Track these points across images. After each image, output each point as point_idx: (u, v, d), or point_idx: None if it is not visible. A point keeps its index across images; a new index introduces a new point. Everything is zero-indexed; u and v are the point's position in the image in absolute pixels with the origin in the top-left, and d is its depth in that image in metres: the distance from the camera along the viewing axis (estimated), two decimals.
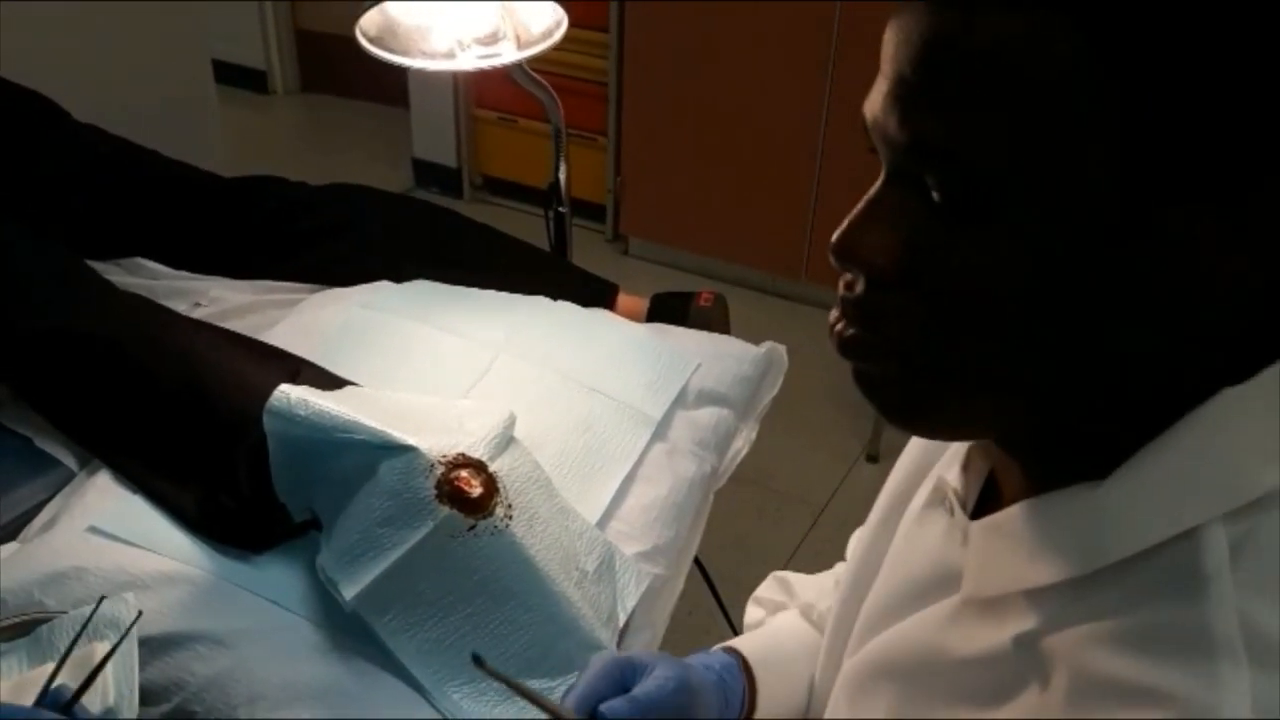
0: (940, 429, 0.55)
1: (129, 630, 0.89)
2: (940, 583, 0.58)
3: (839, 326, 0.51)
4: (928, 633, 0.58)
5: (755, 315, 2.64)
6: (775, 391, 1.33)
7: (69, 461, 1.14)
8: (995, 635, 0.52)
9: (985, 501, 0.59)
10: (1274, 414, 0.46)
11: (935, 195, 0.46)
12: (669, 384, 1.22)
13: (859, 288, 0.49)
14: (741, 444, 1.28)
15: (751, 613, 0.90)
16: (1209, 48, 0.40)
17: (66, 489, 1.11)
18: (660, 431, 1.18)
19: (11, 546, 1.05)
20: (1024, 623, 0.51)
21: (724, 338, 1.37)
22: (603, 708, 0.67)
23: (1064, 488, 0.50)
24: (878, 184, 0.49)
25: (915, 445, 0.71)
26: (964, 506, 0.59)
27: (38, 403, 1.16)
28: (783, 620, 0.86)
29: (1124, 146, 0.42)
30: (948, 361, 0.48)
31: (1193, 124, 0.41)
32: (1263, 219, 0.42)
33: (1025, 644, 0.50)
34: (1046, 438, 0.51)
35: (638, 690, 0.69)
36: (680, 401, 1.23)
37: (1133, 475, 0.48)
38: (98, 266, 1.34)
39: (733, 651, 0.79)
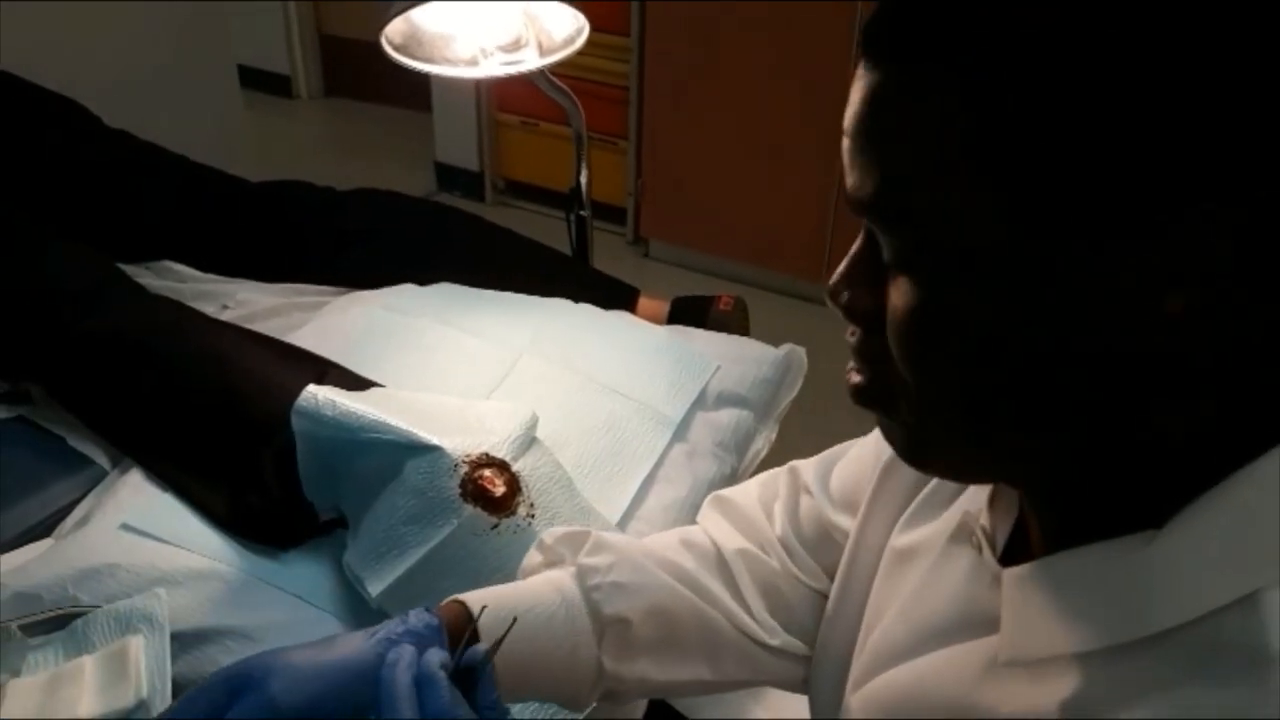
0: (953, 474, 0.54)
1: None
2: (966, 624, 0.56)
3: (849, 373, 0.53)
4: (960, 682, 0.55)
5: (775, 318, 2.64)
6: (795, 393, 1.34)
7: (101, 460, 1.16)
8: (1038, 697, 0.49)
9: (1015, 538, 0.57)
10: None
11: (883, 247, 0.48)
12: (689, 386, 1.23)
13: (857, 334, 0.51)
14: (761, 445, 1.28)
15: (530, 557, 0.78)
16: (1075, 89, 0.40)
17: (99, 487, 1.14)
18: (680, 433, 1.20)
19: (46, 543, 1.08)
20: (1068, 685, 0.47)
21: (744, 340, 1.38)
22: None
23: (1105, 539, 0.47)
24: (860, 234, 0.51)
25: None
26: (993, 546, 0.56)
27: (71, 403, 1.19)
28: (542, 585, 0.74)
29: (1011, 191, 0.42)
30: (942, 407, 0.48)
31: (1072, 164, 0.41)
32: (1194, 251, 0.41)
33: (1073, 709, 0.47)
34: (1075, 488, 0.49)
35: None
36: (700, 403, 1.24)
37: (1185, 532, 0.44)
38: (127, 270, 1.36)
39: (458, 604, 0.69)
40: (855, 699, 0.64)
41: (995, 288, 0.44)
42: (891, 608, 0.64)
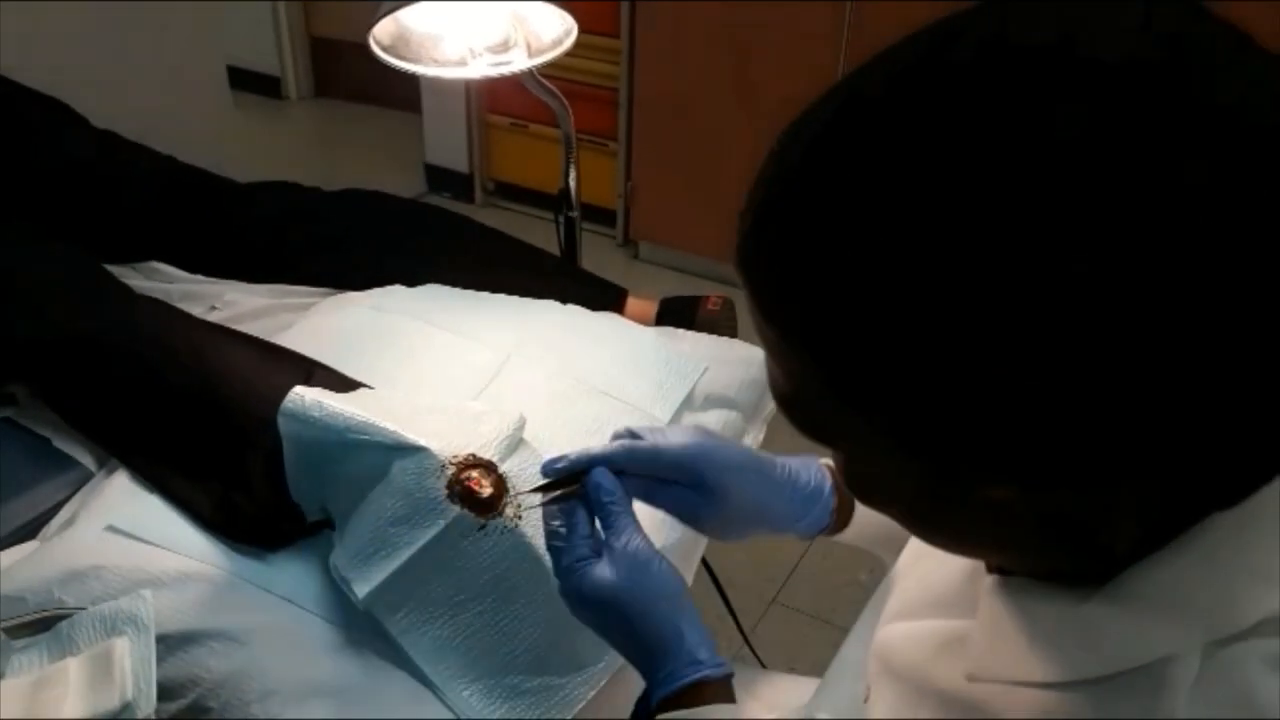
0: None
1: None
2: (959, 601, 0.60)
3: None
4: (936, 660, 0.59)
5: None
6: None
7: (87, 461, 1.16)
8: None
9: None
10: (1266, 539, 0.46)
11: None
12: (677, 387, 1.23)
13: None
14: (749, 446, 1.28)
15: None
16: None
17: (85, 488, 1.13)
18: None
19: (31, 545, 1.07)
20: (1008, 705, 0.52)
21: (732, 341, 1.38)
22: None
23: (1065, 584, 0.51)
24: None
25: None
26: None
27: (57, 404, 1.18)
28: None
29: (868, 420, 0.47)
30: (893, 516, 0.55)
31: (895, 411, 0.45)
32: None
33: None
34: (1034, 566, 0.53)
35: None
36: (688, 404, 1.24)
37: (1116, 596, 0.48)
38: (114, 271, 1.36)
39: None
40: (878, 636, 0.68)
41: (898, 468, 0.49)
42: (920, 561, 0.69)
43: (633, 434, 0.78)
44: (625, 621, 0.70)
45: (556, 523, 0.74)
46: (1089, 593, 0.49)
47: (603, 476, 0.75)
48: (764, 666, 1.37)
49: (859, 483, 0.53)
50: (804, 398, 0.50)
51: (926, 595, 0.64)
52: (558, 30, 1.25)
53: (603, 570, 0.71)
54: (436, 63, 1.22)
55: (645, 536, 0.73)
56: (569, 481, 0.75)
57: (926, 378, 0.43)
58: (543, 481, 0.76)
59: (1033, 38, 0.41)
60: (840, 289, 0.44)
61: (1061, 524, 0.47)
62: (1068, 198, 0.39)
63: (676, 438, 0.77)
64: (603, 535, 0.73)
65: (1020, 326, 0.40)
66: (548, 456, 0.77)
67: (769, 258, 0.47)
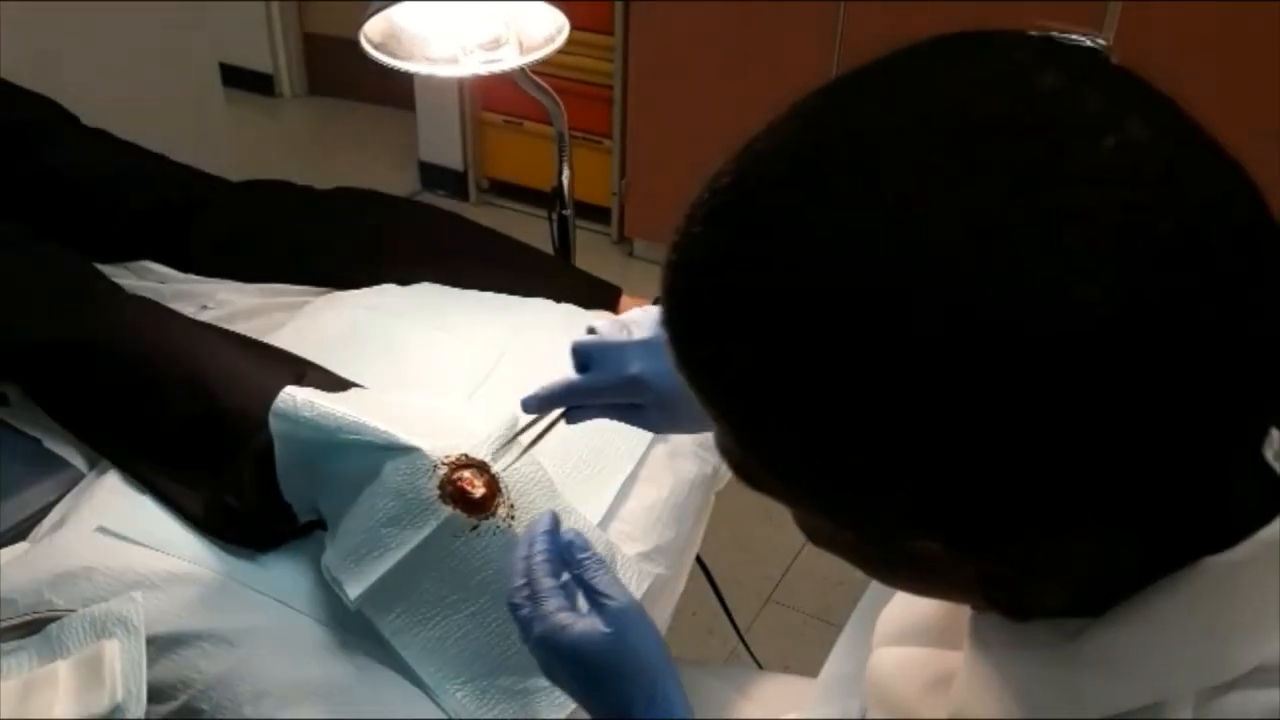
0: None
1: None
2: (950, 627, 0.59)
3: None
4: (924, 697, 0.59)
5: None
6: None
7: (78, 462, 1.15)
8: None
9: None
10: (1259, 586, 0.45)
11: None
12: None
13: None
14: None
15: None
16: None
17: (75, 489, 1.13)
18: None
19: (21, 546, 1.07)
20: None
21: None
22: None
23: (1049, 619, 0.49)
24: None
25: None
26: None
27: (47, 405, 1.18)
28: None
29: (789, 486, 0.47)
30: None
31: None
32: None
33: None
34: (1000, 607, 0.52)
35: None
36: None
37: (1106, 638, 0.47)
38: (105, 270, 1.35)
39: None
40: (872, 660, 0.66)
41: (830, 523, 0.49)
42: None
43: (592, 330, 0.83)
44: (614, 680, 0.69)
45: (521, 581, 0.74)
46: (1074, 631, 0.48)
47: (574, 535, 0.76)
48: (759, 664, 1.36)
49: (805, 531, 0.52)
50: (727, 448, 0.49)
51: (919, 622, 0.63)
52: (550, 28, 1.24)
53: (591, 626, 0.71)
54: (428, 60, 1.22)
55: (629, 592, 0.74)
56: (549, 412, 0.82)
57: (825, 444, 0.42)
58: (528, 420, 0.81)
59: (890, 120, 0.41)
60: (733, 361, 0.44)
61: (991, 580, 0.46)
62: (924, 277, 0.38)
63: (632, 362, 0.81)
64: (577, 591, 0.74)
65: (900, 390, 0.39)
66: (541, 456, 0.77)
67: (677, 308, 0.46)
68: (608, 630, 0.70)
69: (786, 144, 0.44)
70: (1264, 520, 0.45)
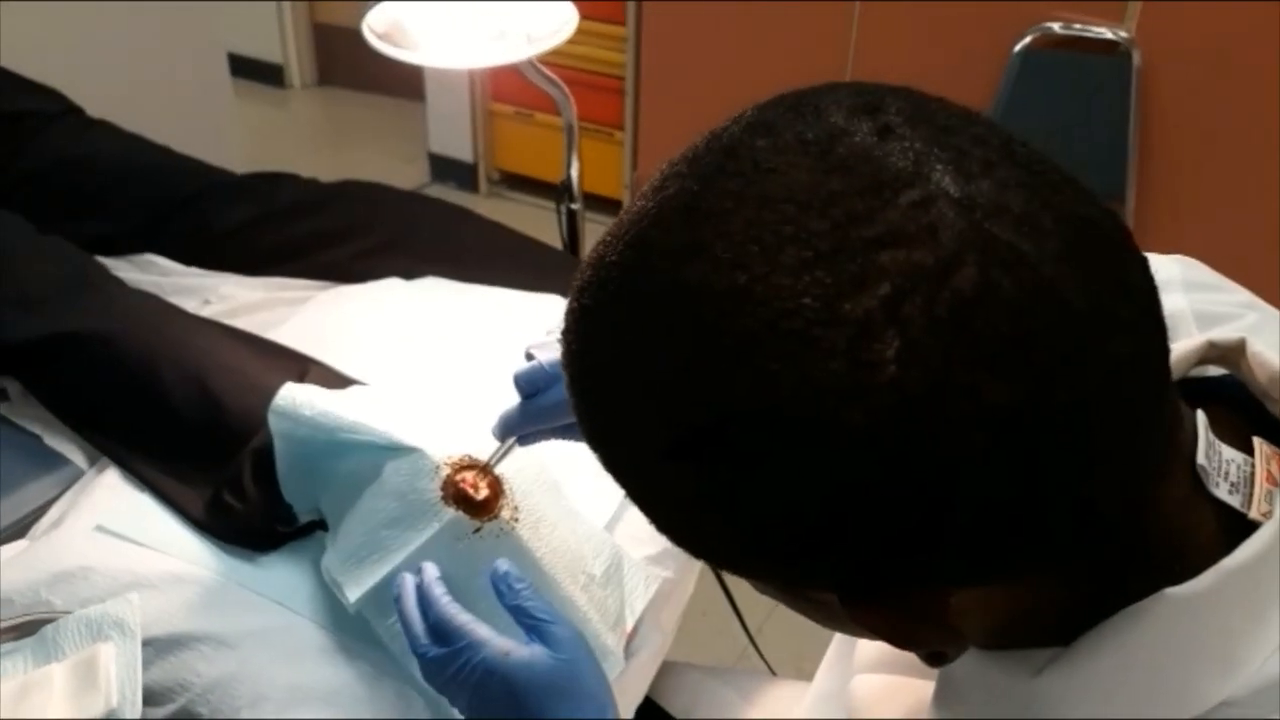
0: None
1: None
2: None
3: None
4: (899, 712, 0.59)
5: None
6: None
7: (78, 459, 1.14)
8: None
9: None
10: (1222, 618, 0.44)
11: None
12: None
13: None
14: None
15: None
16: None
17: (75, 487, 1.11)
18: None
19: (20, 544, 1.05)
20: None
21: None
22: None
23: (1018, 650, 0.49)
24: None
25: None
26: None
27: (47, 401, 1.16)
28: None
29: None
30: None
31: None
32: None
33: None
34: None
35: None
36: None
37: (1066, 672, 0.47)
38: (109, 263, 1.34)
39: None
40: (852, 685, 0.66)
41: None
42: None
43: (530, 355, 0.83)
44: (564, 703, 0.69)
45: (425, 625, 0.76)
46: (1040, 665, 0.47)
47: (508, 565, 0.78)
48: (769, 666, 1.35)
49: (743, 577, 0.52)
50: None
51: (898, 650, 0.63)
52: (559, 18, 1.23)
53: (541, 650, 0.71)
54: (435, 51, 1.20)
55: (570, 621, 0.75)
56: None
57: (696, 517, 0.43)
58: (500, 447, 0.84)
59: (712, 202, 0.41)
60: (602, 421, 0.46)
61: (893, 630, 0.46)
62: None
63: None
64: (519, 625, 0.75)
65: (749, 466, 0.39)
66: (541, 455, 0.77)
67: (569, 357, 0.46)
68: (560, 654, 0.71)
69: (627, 225, 0.44)
70: (1226, 550, 0.44)
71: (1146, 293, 0.41)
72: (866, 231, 0.37)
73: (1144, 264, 0.41)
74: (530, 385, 0.82)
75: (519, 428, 0.84)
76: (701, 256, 0.39)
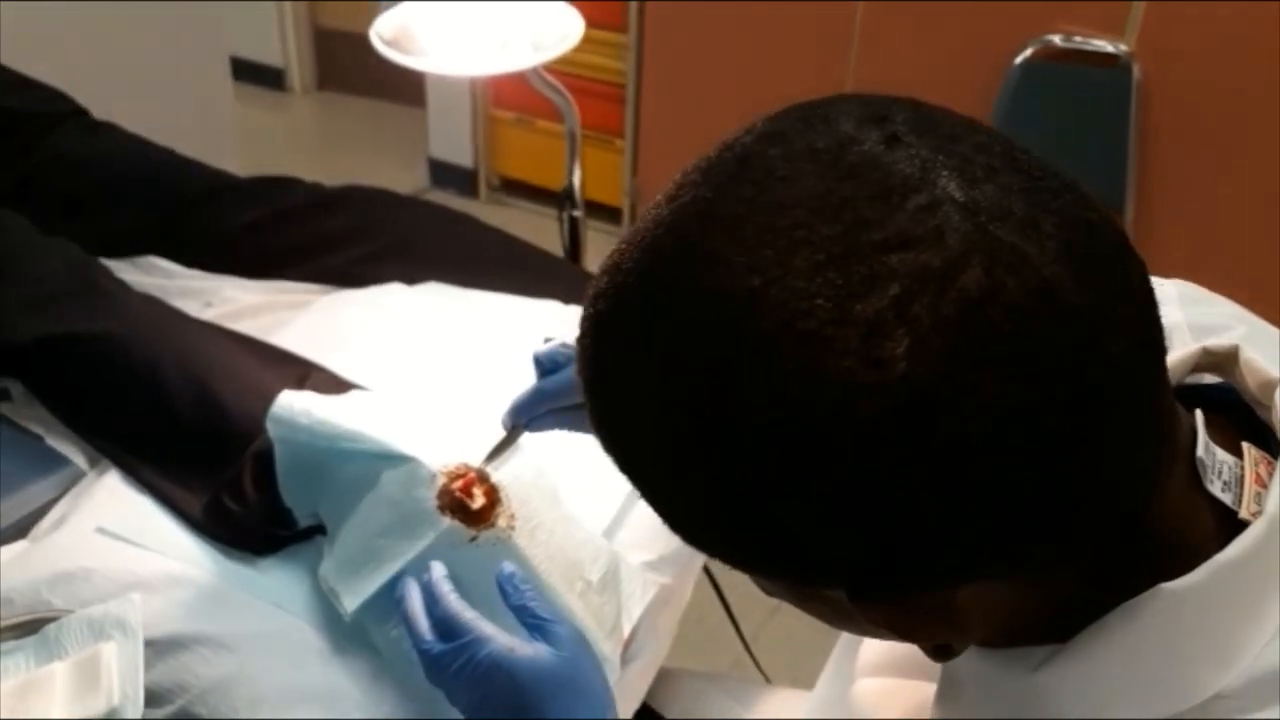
0: None
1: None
2: (926, 662, 0.59)
3: None
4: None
5: None
6: None
7: (79, 461, 1.14)
8: None
9: None
10: (1215, 612, 0.45)
11: None
12: None
13: None
14: None
15: None
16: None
17: (76, 488, 1.12)
18: None
19: (21, 545, 1.06)
20: None
21: None
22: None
23: (1019, 647, 0.50)
24: None
25: None
26: None
27: (49, 402, 1.17)
28: None
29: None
30: None
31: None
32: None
33: None
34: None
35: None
36: None
37: (1064, 668, 0.48)
38: (111, 265, 1.34)
39: None
40: (854, 690, 0.67)
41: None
42: None
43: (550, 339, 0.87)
44: (567, 701, 0.71)
45: (430, 620, 0.77)
46: (1040, 661, 0.48)
47: (511, 566, 0.80)
48: (764, 673, 1.35)
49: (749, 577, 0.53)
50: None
51: (899, 652, 0.63)
52: (563, 26, 1.23)
53: (545, 648, 0.72)
54: (440, 58, 1.21)
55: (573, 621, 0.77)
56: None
57: (714, 513, 0.44)
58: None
59: (725, 209, 0.42)
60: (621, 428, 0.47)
61: (900, 627, 0.47)
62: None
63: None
64: (521, 625, 0.76)
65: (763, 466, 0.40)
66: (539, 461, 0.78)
67: (585, 362, 0.48)
68: (563, 652, 0.72)
69: (643, 232, 0.45)
70: (1220, 548, 0.45)
71: (1144, 293, 0.42)
72: (876, 235, 0.38)
73: (1142, 266, 0.43)
74: (550, 363, 0.86)
75: (530, 409, 0.86)
76: (717, 261, 0.40)
